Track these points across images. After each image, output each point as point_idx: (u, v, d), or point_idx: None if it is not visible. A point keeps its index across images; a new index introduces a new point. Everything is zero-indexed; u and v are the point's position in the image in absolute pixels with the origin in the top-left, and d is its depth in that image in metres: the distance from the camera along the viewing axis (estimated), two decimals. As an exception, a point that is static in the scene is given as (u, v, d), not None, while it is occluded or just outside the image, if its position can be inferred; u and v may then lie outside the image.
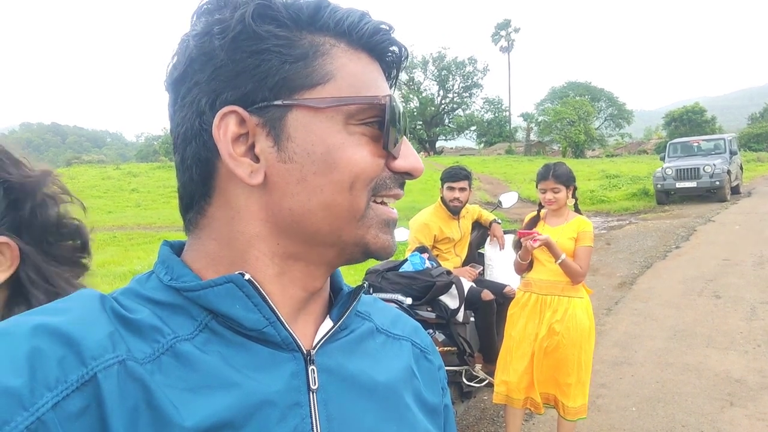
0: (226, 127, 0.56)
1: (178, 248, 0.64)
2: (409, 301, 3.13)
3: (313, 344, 0.61)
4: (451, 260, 3.92)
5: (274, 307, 0.57)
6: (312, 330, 0.63)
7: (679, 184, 16.08)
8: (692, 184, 15.94)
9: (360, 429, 0.59)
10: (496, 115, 61.08)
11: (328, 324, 0.63)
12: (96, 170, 34.95)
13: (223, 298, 0.55)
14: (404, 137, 0.60)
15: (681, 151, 18.20)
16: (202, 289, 0.56)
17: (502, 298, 3.67)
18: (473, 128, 60.82)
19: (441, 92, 61.08)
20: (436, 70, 60.47)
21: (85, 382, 0.47)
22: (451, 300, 3.20)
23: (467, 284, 3.54)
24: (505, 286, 3.79)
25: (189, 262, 0.61)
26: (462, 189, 3.88)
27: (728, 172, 16.27)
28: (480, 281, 3.88)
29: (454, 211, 3.93)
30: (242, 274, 0.56)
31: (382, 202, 0.60)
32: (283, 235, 0.59)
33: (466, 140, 63.98)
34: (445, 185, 3.92)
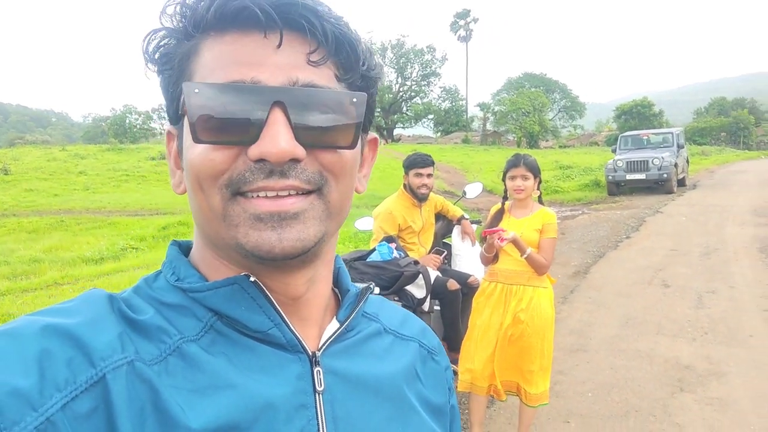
0: (169, 143, 0.63)
1: (186, 248, 0.65)
2: (377, 290, 3.13)
3: (319, 345, 0.61)
4: (416, 251, 3.92)
5: (280, 309, 0.58)
6: (318, 331, 0.63)
7: (630, 176, 16.60)
8: (641, 176, 16.47)
9: (366, 429, 0.60)
10: (453, 104, 61.56)
11: (334, 325, 0.64)
12: (41, 151, 33.55)
13: (228, 300, 0.56)
14: (270, 118, 0.52)
15: (631, 144, 18.76)
16: (208, 290, 0.56)
17: (467, 288, 3.71)
18: (431, 117, 61.15)
19: (399, 80, 61.06)
20: (394, 58, 60.36)
21: (94, 383, 0.47)
22: (417, 290, 3.22)
23: (433, 274, 3.57)
24: (470, 276, 3.83)
25: (195, 262, 0.62)
26: (429, 175, 3.88)
27: (675, 165, 16.88)
28: (445, 271, 3.91)
29: (422, 197, 3.92)
30: (247, 276, 0.56)
31: (257, 196, 0.53)
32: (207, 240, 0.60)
33: (424, 128, 64.32)
34: (412, 172, 3.88)
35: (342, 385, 0.60)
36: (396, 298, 3.20)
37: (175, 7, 0.55)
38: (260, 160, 0.52)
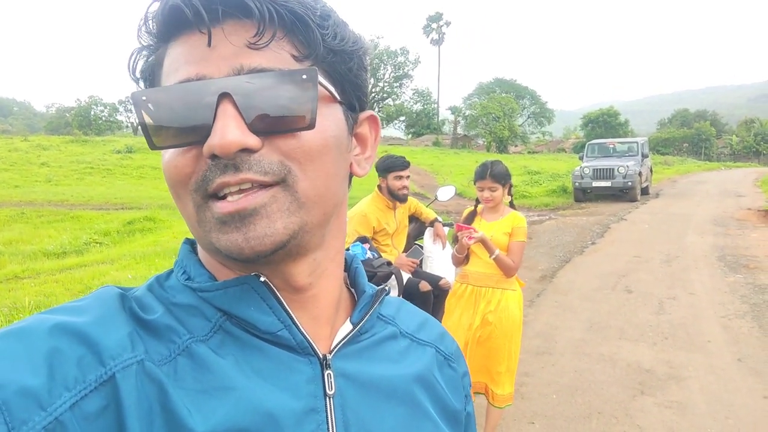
0: None
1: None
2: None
3: (331, 347, 0.60)
4: (389, 253, 3.94)
5: (290, 310, 0.56)
6: (330, 331, 0.62)
7: (596, 183, 16.99)
8: (607, 183, 16.87)
9: None
10: (425, 106, 61.89)
11: (347, 327, 0.63)
12: (1, 141, 32.54)
13: (238, 300, 0.55)
14: (219, 111, 0.50)
15: (598, 152, 19.19)
16: (217, 290, 0.55)
17: (438, 290, 3.75)
18: (402, 118, 61.37)
19: (372, 81, 61.00)
20: (367, 59, 60.33)
21: (103, 382, 0.46)
22: (390, 291, 3.24)
23: (405, 275, 3.60)
24: (441, 278, 3.86)
25: (205, 260, 0.60)
26: (408, 177, 3.94)
27: (639, 173, 17.31)
28: (417, 272, 3.94)
29: (403, 199, 3.96)
30: (257, 276, 0.55)
31: (223, 197, 0.52)
32: None
33: (395, 130, 64.48)
34: (392, 174, 3.89)
35: (354, 388, 0.58)
36: (368, 299, 3.22)
37: (144, 24, 0.55)
38: (214, 157, 0.50)
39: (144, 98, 0.51)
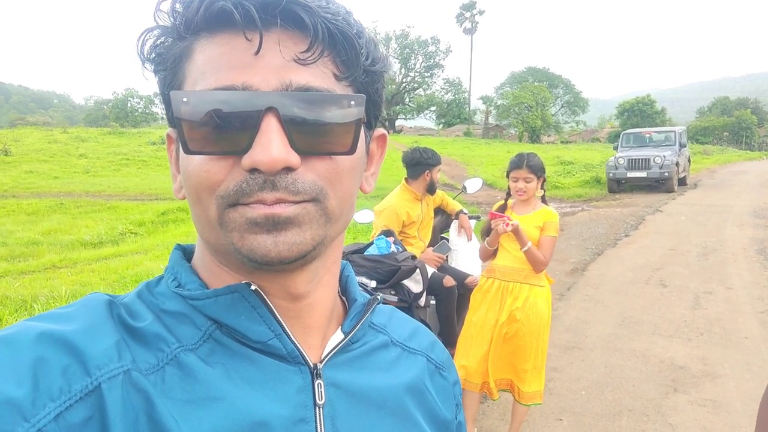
0: (169, 147, 0.62)
1: (190, 252, 0.63)
2: (373, 284, 3.13)
3: (322, 357, 0.59)
4: (416, 245, 3.92)
5: (281, 319, 0.56)
6: (322, 340, 0.61)
7: (630, 174, 16.57)
8: (642, 174, 16.44)
9: None
10: (456, 96, 61.52)
11: (338, 336, 0.62)
12: (42, 133, 33.55)
13: (228, 309, 0.54)
14: (263, 125, 0.49)
15: (633, 142, 18.73)
16: (207, 298, 0.55)
17: (463, 288, 3.72)
18: (433, 108, 61.12)
19: (403, 71, 60.97)
20: (398, 48, 60.24)
21: (89, 393, 0.46)
22: (414, 284, 3.22)
23: (430, 270, 3.57)
24: (468, 275, 3.83)
25: (197, 267, 0.60)
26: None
27: (677, 164, 16.84)
28: (443, 268, 3.92)
29: (434, 191, 4.06)
30: (248, 284, 0.55)
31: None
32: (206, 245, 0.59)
33: (426, 120, 64.29)
34: (437, 168, 3.99)
35: (344, 398, 0.58)
36: (392, 292, 3.20)
37: (168, 5, 0.53)
38: (254, 170, 0.49)
39: (184, 99, 0.50)
